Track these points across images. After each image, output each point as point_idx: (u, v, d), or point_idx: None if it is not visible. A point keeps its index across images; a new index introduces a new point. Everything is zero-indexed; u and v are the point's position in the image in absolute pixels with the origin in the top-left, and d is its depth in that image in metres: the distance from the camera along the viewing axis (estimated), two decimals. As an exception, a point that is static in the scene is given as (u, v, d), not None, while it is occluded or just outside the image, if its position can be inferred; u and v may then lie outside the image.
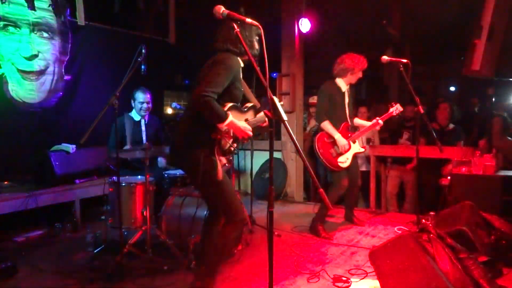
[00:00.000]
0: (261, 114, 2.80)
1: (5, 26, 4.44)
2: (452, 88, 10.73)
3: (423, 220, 4.14)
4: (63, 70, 5.02)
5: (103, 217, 3.58)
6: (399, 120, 5.71)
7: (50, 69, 4.88)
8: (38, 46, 4.74)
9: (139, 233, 3.35)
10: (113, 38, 5.54)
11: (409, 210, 5.43)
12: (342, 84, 4.14)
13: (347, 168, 4.15)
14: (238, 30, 2.02)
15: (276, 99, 1.87)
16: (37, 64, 4.74)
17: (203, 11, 6.29)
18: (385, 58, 3.89)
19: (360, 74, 4.13)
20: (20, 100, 4.62)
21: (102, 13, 5.44)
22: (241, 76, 2.66)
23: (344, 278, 3.02)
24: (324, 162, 4.05)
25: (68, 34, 5.05)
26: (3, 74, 4.45)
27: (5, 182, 4.28)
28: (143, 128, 4.24)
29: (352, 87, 4.32)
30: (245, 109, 2.73)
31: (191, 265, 3.10)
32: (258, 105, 2.84)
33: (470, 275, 2.45)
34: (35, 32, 4.70)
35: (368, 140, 5.61)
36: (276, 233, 4.09)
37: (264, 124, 2.83)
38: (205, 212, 3.36)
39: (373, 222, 4.65)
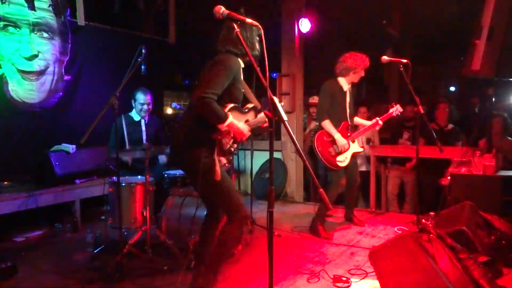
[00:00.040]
0: (262, 114, 2.81)
1: (5, 26, 4.44)
2: (452, 88, 10.73)
3: (423, 220, 4.16)
4: (63, 70, 5.02)
5: (103, 217, 3.58)
6: (399, 120, 5.71)
7: (50, 69, 4.88)
8: (38, 46, 4.74)
9: (139, 233, 3.35)
10: (113, 38, 5.54)
11: (409, 210, 5.43)
12: (344, 83, 4.14)
13: (346, 167, 4.16)
14: (238, 30, 2.02)
15: (276, 99, 1.87)
16: (37, 64, 4.74)
17: (203, 11, 6.31)
18: (385, 58, 3.89)
19: (362, 73, 4.12)
20: (20, 100, 4.61)
21: (102, 13, 5.44)
22: (242, 77, 2.66)
23: (344, 278, 3.02)
24: (322, 160, 4.05)
25: (68, 34, 5.05)
26: (3, 74, 4.45)
27: (5, 182, 4.27)
28: (143, 128, 4.24)
29: (354, 86, 4.32)
30: (246, 110, 2.74)
31: (191, 265, 3.10)
32: (259, 106, 2.84)
33: (470, 275, 2.45)
34: (35, 32, 4.70)
35: (368, 140, 5.61)
36: (276, 233, 4.09)
37: (265, 125, 2.84)
38: (205, 212, 3.36)
39: (373, 222, 4.65)
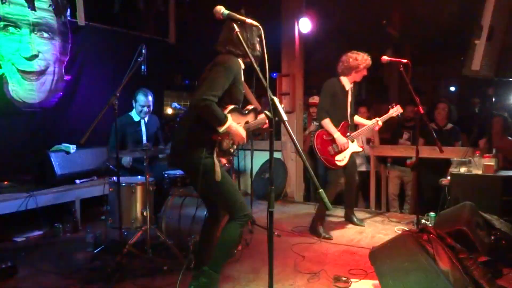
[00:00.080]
0: (262, 116, 2.82)
1: (6, 26, 4.44)
2: (452, 88, 10.73)
3: (423, 220, 4.17)
4: (63, 70, 5.02)
5: (103, 217, 3.58)
6: (399, 120, 5.72)
7: (50, 69, 4.88)
8: (38, 46, 4.74)
9: (139, 233, 3.35)
10: (113, 38, 5.54)
11: (409, 210, 5.44)
12: (346, 82, 4.14)
13: (345, 167, 4.16)
14: (238, 30, 2.02)
15: (276, 100, 1.87)
16: (37, 64, 4.74)
17: (203, 11, 6.31)
18: (385, 58, 3.89)
19: (364, 72, 4.12)
20: (20, 100, 4.62)
21: (102, 13, 5.44)
22: (243, 78, 2.66)
23: (344, 278, 3.02)
24: (321, 159, 4.06)
25: (68, 34, 5.05)
26: (3, 74, 4.45)
27: (5, 182, 4.27)
28: (143, 128, 4.24)
29: (356, 85, 4.32)
30: (246, 112, 2.75)
31: (191, 265, 3.10)
32: (259, 107, 2.85)
33: (470, 275, 2.45)
34: (35, 32, 4.70)
35: (368, 140, 5.61)
36: (276, 233, 4.09)
37: (265, 126, 2.84)
38: (205, 212, 3.36)
39: (373, 222, 4.65)
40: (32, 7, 4.58)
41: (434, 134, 3.83)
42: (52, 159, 4.29)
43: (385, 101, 7.85)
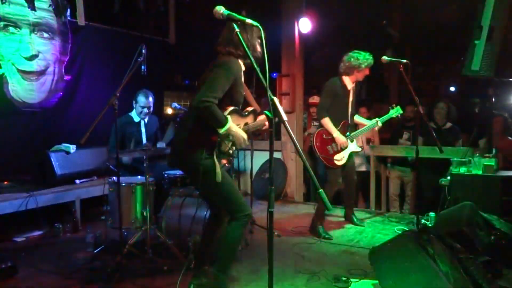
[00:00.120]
0: (261, 118, 2.83)
1: (6, 26, 4.45)
2: (452, 88, 10.73)
3: (423, 220, 4.17)
4: (63, 71, 5.02)
5: (103, 217, 3.58)
6: (399, 120, 5.72)
7: (50, 69, 4.89)
8: (38, 46, 4.74)
9: (139, 233, 3.35)
10: (113, 38, 5.54)
11: (409, 210, 5.43)
12: (348, 81, 4.14)
13: (343, 166, 4.16)
14: (238, 30, 2.02)
15: (276, 100, 1.87)
16: (37, 64, 4.75)
17: (203, 11, 6.31)
18: (385, 58, 3.89)
19: (367, 71, 4.12)
20: (20, 100, 4.62)
21: (102, 13, 5.44)
22: (243, 80, 2.66)
23: (344, 278, 3.02)
24: (320, 158, 4.06)
25: (68, 35, 5.05)
26: (3, 74, 4.45)
27: (5, 182, 4.28)
28: (143, 129, 4.24)
29: (358, 85, 4.33)
30: (246, 113, 2.75)
31: (191, 265, 3.10)
32: (259, 109, 2.85)
33: (470, 275, 2.45)
34: (35, 32, 4.70)
35: (368, 140, 5.61)
36: (276, 233, 4.09)
37: (264, 128, 2.85)
38: (205, 213, 3.36)
39: (373, 222, 4.65)
40: (32, 7, 4.58)
41: (434, 134, 3.83)
42: (52, 159, 4.29)
43: (385, 101, 7.86)
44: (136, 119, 4.21)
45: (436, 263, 2.38)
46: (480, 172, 3.97)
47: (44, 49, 4.80)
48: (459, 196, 3.83)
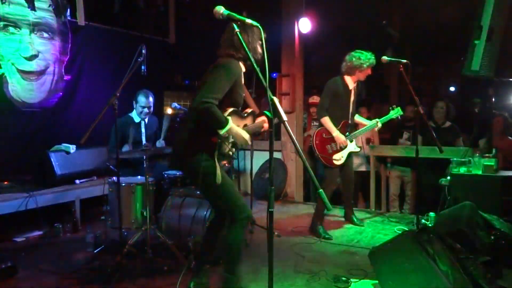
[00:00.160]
0: (259, 120, 2.84)
1: (5, 26, 4.44)
2: (452, 88, 10.74)
3: (423, 220, 4.17)
4: (63, 70, 5.02)
5: (103, 217, 3.58)
6: (399, 120, 5.72)
7: (50, 69, 4.89)
8: (38, 46, 4.74)
9: (139, 233, 3.35)
10: (113, 38, 5.54)
11: (409, 210, 5.43)
12: (350, 81, 4.14)
13: (341, 166, 4.16)
14: (238, 30, 2.02)
15: (276, 100, 1.87)
16: (37, 64, 4.74)
17: (203, 11, 6.31)
18: (385, 58, 3.89)
19: (369, 71, 4.12)
20: (20, 100, 4.62)
21: (102, 13, 5.44)
22: (243, 81, 2.67)
23: (344, 278, 3.02)
24: (319, 157, 4.06)
25: (68, 34, 5.05)
26: (3, 74, 4.45)
27: (5, 182, 4.27)
28: (143, 130, 4.24)
29: (359, 85, 4.32)
30: (245, 115, 2.75)
31: (191, 265, 3.10)
32: (257, 111, 2.85)
33: (470, 275, 2.45)
34: (35, 32, 4.70)
35: (368, 140, 5.61)
36: (276, 233, 4.09)
37: (262, 130, 2.85)
38: (205, 213, 3.36)
39: (373, 222, 4.65)
40: (32, 7, 4.58)
41: (434, 135, 3.83)
42: (52, 159, 4.29)
43: (385, 101, 7.86)
44: (137, 119, 4.21)
45: (436, 263, 2.38)
46: (480, 172, 3.97)
47: (44, 49, 4.80)
48: (459, 196, 3.83)
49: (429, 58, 9.14)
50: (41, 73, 4.79)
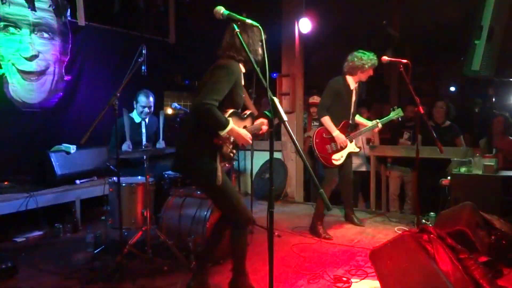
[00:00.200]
0: (258, 121, 2.85)
1: (6, 26, 4.44)
2: (452, 88, 10.74)
3: (423, 220, 4.17)
4: (63, 71, 5.02)
5: (103, 218, 3.58)
6: (399, 120, 5.72)
7: (51, 69, 4.88)
8: (39, 46, 4.74)
9: (139, 233, 3.35)
10: (113, 38, 5.54)
11: (409, 210, 5.43)
12: (351, 81, 4.14)
13: (340, 166, 4.16)
14: (238, 30, 2.02)
15: (276, 100, 1.87)
16: (37, 65, 4.74)
17: (203, 11, 6.31)
18: (385, 58, 3.89)
19: (371, 72, 4.12)
20: (20, 100, 4.62)
21: (102, 13, 5.44)
22: (243, 83, 2.67)
23: (344, 279, 3.02)
24: (318, 156, 4.06)
25: (68, 35, 5.05)
26: (3, 74, 4.45)
27: (5, 182, 4.27)
28: (143, 130, 4.24)
29: (361, 85, 4.32)
30: (245, 116, 2.75)
31: (192, 265, 3.10)
32: (256, 112, 2.86)
33: (470, 275, 2.45)
34: (35, 32, 4.70)
35: (368, 140, 5.61)
36: (276, 233, 4.09)
37: (261, 132, 2.85)
38: (205, 213, 3.36)
39: (373, 222, 4.65)
40: (32, 7, 4.58)
41: (435, 135, 3.83)
42: (52, 159, 4.29)
43: (386, 101, 7.86)
44: (137, 119, 4.21)
45: (436, 263, 2.38)
46: (480, 172, 3.97)
47: (44, 49, 4.80)
48: (459, 196, 3.83)
49: (429, 58, 9.13)
50: (41, 73, 4.79)
